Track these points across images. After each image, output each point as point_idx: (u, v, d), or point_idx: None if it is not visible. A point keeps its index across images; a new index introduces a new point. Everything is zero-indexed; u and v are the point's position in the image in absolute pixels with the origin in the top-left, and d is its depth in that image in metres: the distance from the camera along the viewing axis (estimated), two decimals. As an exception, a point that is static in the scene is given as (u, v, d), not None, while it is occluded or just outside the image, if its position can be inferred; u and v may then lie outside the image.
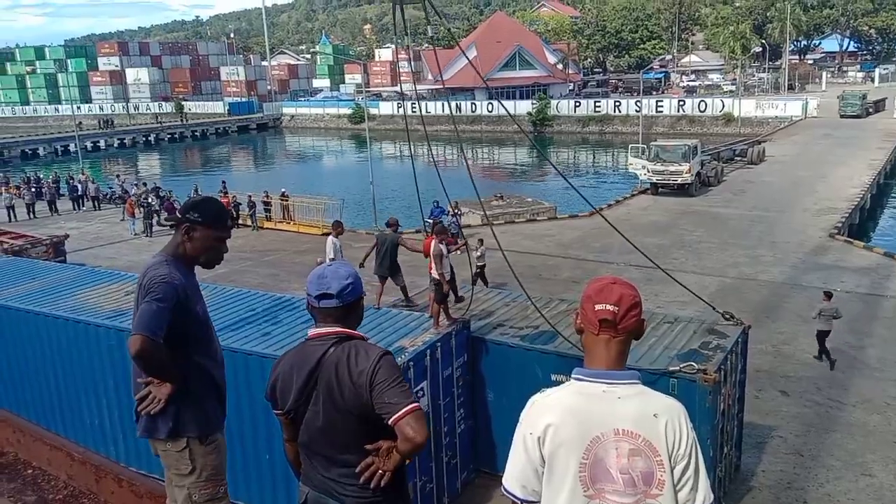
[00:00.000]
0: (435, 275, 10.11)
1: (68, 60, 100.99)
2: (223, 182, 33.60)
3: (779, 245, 22.57)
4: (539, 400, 2.27)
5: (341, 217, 28.33)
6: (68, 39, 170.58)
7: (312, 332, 2.89)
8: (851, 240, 23.28)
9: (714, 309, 10.08)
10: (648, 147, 33.38)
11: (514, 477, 2.25)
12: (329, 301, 2.84)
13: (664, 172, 31.31)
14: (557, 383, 8.26)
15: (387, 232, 14.94)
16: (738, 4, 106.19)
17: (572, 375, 2.28)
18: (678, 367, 7.77)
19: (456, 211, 25.76)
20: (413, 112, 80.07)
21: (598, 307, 2.24)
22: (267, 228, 27.73)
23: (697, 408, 7.50)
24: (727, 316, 9.71)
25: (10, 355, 10.08)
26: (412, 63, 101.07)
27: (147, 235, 27.60)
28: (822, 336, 13.63)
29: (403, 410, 2.67)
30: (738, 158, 40.13)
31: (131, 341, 3.18)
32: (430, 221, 25.28)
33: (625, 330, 2.26)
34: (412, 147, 13.66)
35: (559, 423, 2.17)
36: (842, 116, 54.93)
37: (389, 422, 2.69)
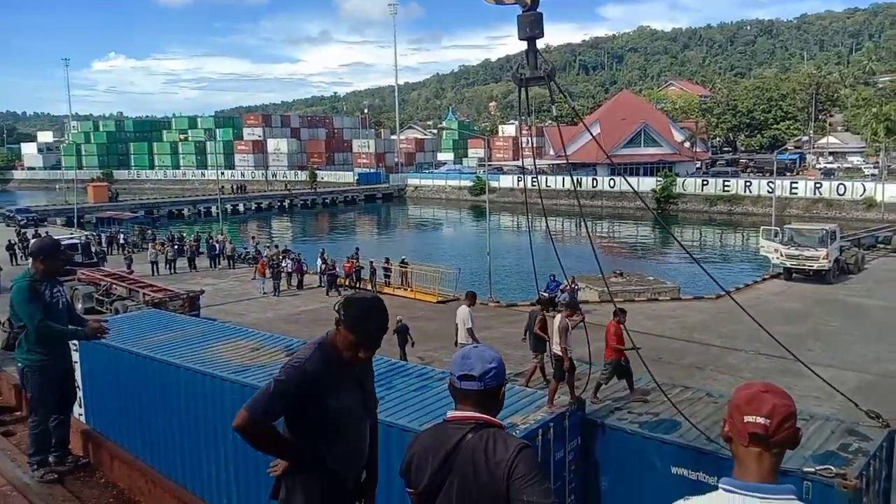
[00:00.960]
0: (557, 350, 9.94)
1: (217, 130, 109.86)
2: (356, 249, 34.40)
3: (930, 342, 20.67)
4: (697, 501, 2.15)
5: (457, 287, 28.73)
6: (218, 111, 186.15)
7: (451, 414, 2.86)
8: None
9: (857, 406, 9.26)
10: (782, 230, 31.91)
11: None
12: (470, 383, 2.80)
13: (799, 257, 29.75)
14: (677, 476, 7.78)
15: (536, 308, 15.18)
16: (881, 85, 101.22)
17: (721, 485, 2.14)
18: (814, 469, 7.13)
19: (573, 286, 25.44)
20: (533, 185, 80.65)
21: (747, 419, 2.12)
22: (385, 293, 28.38)
23: (836, 517, 6.83)
24: (871, 415, 8.89)
25: (143, 403, 10.68)
26: (534, 139, 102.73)
27: (275, 295, 28.88)
28: None
29: None
30: (881, 245, 37.59)
31: (237, 415, 3.24)
32: (545, 295, 25.07)
33: (777, 443, 2.14)
34: (529, 218, 13.71)
35: None
36: None
37: None
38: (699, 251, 49.07)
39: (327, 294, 29.00)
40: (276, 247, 38.32)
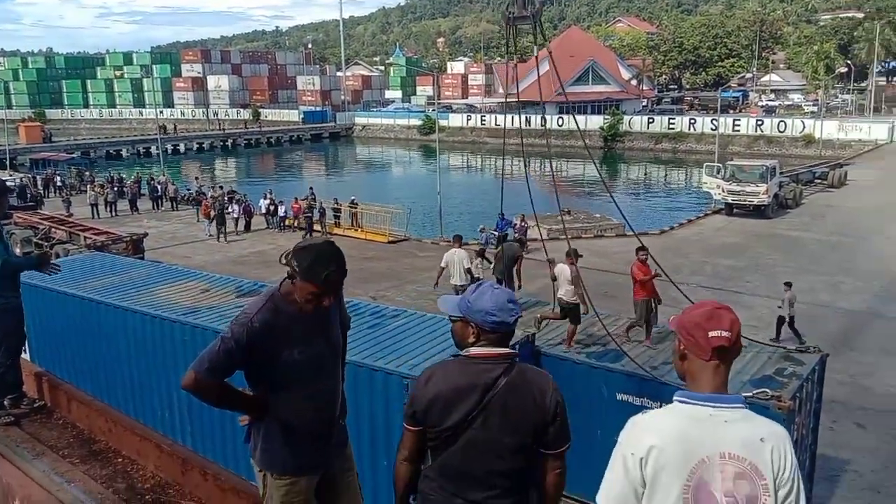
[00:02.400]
0: (565, 297, 10.14)
1: (154, 66, 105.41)
2: (310, 188, 33.73)
3: (859, 272, 21.69)
4: (642, 421, 2.28)
5: (407, 227, 28.73)
6: (155, 47, 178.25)
7: (480, 351, 2.85)
8: (940, 270, 22.20)
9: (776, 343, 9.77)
10: (724, 166, 32.64)
11: (610, 497, 2.27)
12: (516, 323, 2.94)
13: (740, 193, 30.57)
14: (622, 402, 8.16)
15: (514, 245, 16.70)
16: (822, 24, 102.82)
17: (675, 398, 2.28)
18: (751, 393, 7.53)
19: (523, 224, 25.71)
20: (482, 125, 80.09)
21: (712, 334, 2.25)
22: (336, 234, 28.22)
23: (770, 436, 7.26)
24: (801, 349, 9.34)
25: (95, 346, 10.54)
26: (483, 76, 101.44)
27: (219, 240, 28.28)
28: (782, 321, 15.50)
29: (564, 449, 2.83)
30: (819, 181, 38.84)
31: (185, 375, 3.19)
32: (496, 234, 25.30)
33: (735, 354, 2.30)
34: (504, 160, 13.73)
35: (664, 446, 2.18)
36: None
37: (551, 452, 2.82)
38: (645, 189, 49.99)
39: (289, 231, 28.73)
40: (221, 188, 37.53)
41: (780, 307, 15.96)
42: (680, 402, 2.26)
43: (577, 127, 60.08)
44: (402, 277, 21.62)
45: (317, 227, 29.73)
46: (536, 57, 8.16)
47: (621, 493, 2.23)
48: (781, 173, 33.47)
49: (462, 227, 30.79)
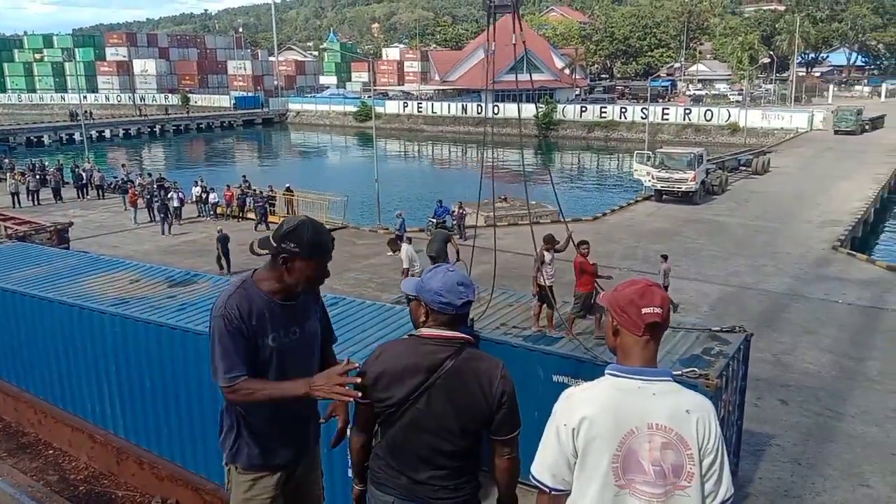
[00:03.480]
0: (541, 280, 10.57)
1: (76, 49, 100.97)
2: (244, 177, 33.20)
3: (781, 256, 22.60)
4: (575, 393, 2.35)
5: (345, 215, 28.49)
6: (76, 29, 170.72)
7: (430, 332, 2.89)
8: (854, 252, 23.29)
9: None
10: (654, 154, 33.42)
11: (545, 466, 2.33)
12: (468, 308, 2.95)
13: (669, 180, 31.38)
14: (558, 383, 8.30)
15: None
16: (746, 15, 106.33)
17: (607, 371, 2.36)
18: (680, 372, 7.80)
19: (461, 210, 25.84)
20: (419, 112, 79.66)
21: (645, 311, 2.34)
22: (271, 222, 27.73)
23: (698, 413, 7.54)
24: (726, 329, 9.69)
25: (22, 339, 10.13)
26: (419, 63, 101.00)
27: (164, 233, 27.01)
28: None
29: (514, 435, 2.89)
30: (743, 168, 40.11)
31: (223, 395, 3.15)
32: (434, 221, 25.37)
33: (664, 329, 2.40)
34: (484, 150, 13.74)
35: (595, 417, 2.26)
36: (836, 132, 54.23)
37: (498, 439, 2.87)
38: (578, 176, 50.87)
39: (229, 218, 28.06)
40: (149, 175, 36.37)
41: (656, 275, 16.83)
42: (611, 374, 2.35)
43: (519, 115, 60.61)
44: (339, 265, 21.41)
45: (250, 215, 29.17)
46: (514, 45, 8.23)
47: (555, 463, 2.31)
48: (708, 160, 34.45)
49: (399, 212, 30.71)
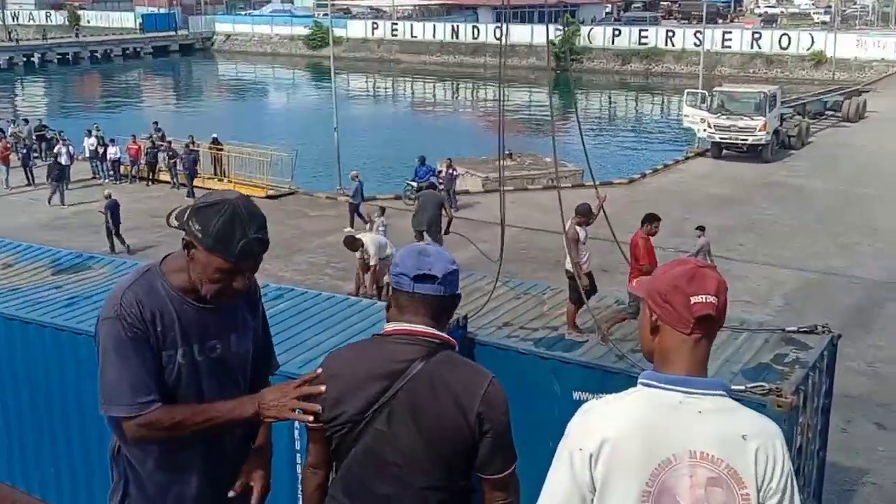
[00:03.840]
0: (568, 266, 10.59)
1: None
2: (155, 123, 33.07)
3: (882, 233, 22.79)
4: (595, 408, 2.36)
5: (293, 176, 28.39)
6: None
7: (394, 327, 2.87)
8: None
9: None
10: (711, 94, 33.47)
11: (553, 502, 2.33)
12: (430, 286, 2.83)
13: (731, 129, 31.48)
14: (580, 402, 8.32)
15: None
16: None
17: (640, 380, 2.35)
18: (744, 387, 7.86)
19: (451, 171, 25.83)
20: (393, 36, 79.39)
21: (695, 300, 2.31)
22: (195, 186, 27.62)
23: (767, 440, 7.61)
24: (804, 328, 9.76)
25: None
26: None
27: (50, 202, 26.86)
28: None
29: (507, 473, 2.87)
30: (831, 113, 40.26)
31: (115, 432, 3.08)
32: (415, 185, 25.34)
33: (719, 327, 2.39)
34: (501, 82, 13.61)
35: (619, 439, 2.25)
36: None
37: (486, 478, 2.85)
38: (609, 123, 50.87)
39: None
40: (25, 122, 36.08)
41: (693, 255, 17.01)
42: (645, 384, 2.35)
43: (548, 38, 60.31)
44: (287, 245, 21.39)
45: (164, 176, 29.02)
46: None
47: (566, 499, 2.31)
48: (783, 103, 34.58)
49: (369, 171, 30.75)
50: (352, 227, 22.52)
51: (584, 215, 11.39)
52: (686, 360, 2.33)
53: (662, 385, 2.30)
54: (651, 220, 11.83)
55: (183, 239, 2.96)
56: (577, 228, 11.14)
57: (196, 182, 27.74)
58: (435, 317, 2.86)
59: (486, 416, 2.76)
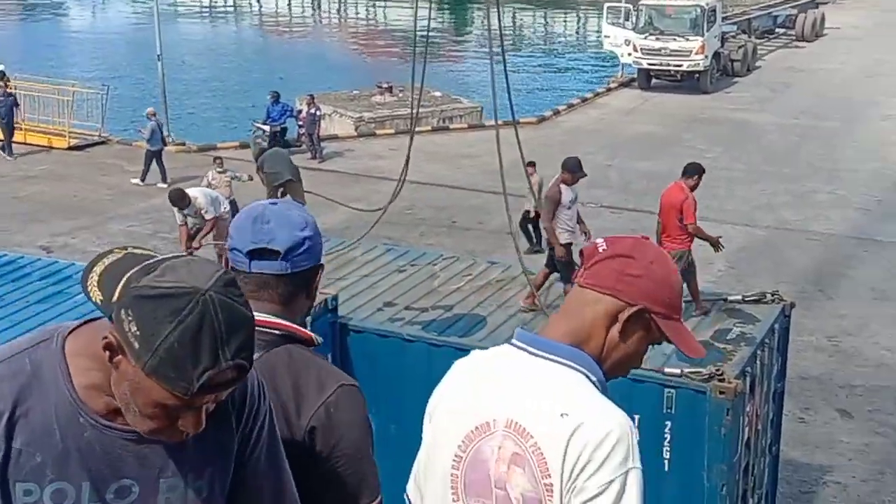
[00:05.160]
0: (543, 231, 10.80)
1: None
2: None
3: (844, 177, 23.55)
4: (457, 362, 2.53)
5: (104, 121, 27.69)
6: None
7: None
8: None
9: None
10: (637, 8, 33.92)
11: (413, 473, 2.56)
12: (270, 264, 2.68)
13: (661, 52, 31.97)
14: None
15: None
16: None
17: (515, 338, 2.46)
18: (679, 371, 8.08)
19: (313, 111, 25.54)
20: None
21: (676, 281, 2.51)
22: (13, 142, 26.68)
23: (707, 434, 7.85)
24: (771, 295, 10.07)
25: None
26: None
27: None
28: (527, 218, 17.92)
29: None
30: (782, 31, 41.19)
31: None
32: (266, 129, 25.00)
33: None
34: None
35: (446, 394, 2.44)
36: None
37: None
38: (513, 47, 51.02)
39: None
40: None
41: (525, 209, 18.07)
42: (509, 342, 2.46)
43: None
44: (98, 210, 20.93)
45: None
46: None
47: (416, 465, 2.54)
48: (725, 19, 35.23)
49: (204, 117, 30.24)
50: (142, 180, 22.79)
51: (571, 172, 11.32)
52: (558, 322, 2.46)
53: (524, 344, 2.39)
54: (695, 171, 11.94)
55: (105, 336, 2.12)
56: (562, 188, 11.10)
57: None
58: (284, 301, 2.71)
59: (322, 434, 2.61)
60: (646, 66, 32.47)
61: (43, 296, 8.67)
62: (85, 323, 2.33)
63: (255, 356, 2.22)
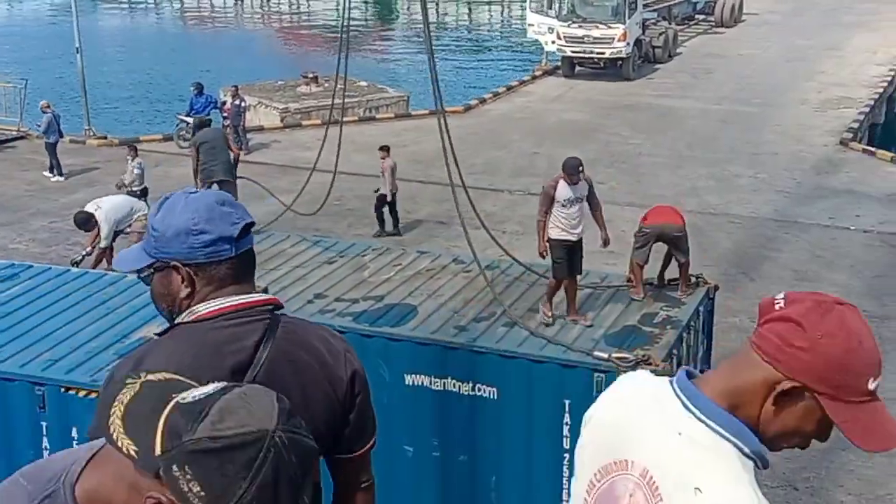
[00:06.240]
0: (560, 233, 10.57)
1: None
2: None
3: (765, 161, 23.94)
4: (624, 378, 2.51)
5: (23, 115, 27.27)
6: None
7: (216, 305, 2.71)
8: (873, 149, 24.98)
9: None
10: (560, -5, 34.03)
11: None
12: (249, 238, 2.80)
13: (584, 40, 32.06)
14: (413, 388, 8.54)
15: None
16: None
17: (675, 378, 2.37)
18: (607, 355, 8.20)
19: (237, 103, 25.29)
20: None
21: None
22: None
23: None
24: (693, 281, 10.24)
25: None
26: None
27: None
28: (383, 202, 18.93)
29: (371, 444, 2.94)
30: (702, 17, 41.53)
31: None
32: (189, 121, 24.74)
33: None
34: None
35: (602, 405, 2.44)
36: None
37: (354, 456, 2.90)
38: (438, 37, 50.98)
39: None
40: None
41: (377, 191, 19.14)
42: (671, 380, 2.37)
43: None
44: (19, 206, 20.61)
45: None
46: None
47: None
48: (646, 6, 35.42)
49: (128, 108, 29.92)
50: (51, 172, 22.45)
51: (570, 173, 11.26)
52: (720, 376, 2.36)
53: (676, 387, 2.32)
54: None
55: (151, 496, 1.80)
56: (560, 184, 11.00)
57: None
58: (247, 278, 2.83)
59: (356, 372, 2.88)
60: (569, 53, 32.59)
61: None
62: (79, 475, 1.94)
63: (281, 333, 2.66)
